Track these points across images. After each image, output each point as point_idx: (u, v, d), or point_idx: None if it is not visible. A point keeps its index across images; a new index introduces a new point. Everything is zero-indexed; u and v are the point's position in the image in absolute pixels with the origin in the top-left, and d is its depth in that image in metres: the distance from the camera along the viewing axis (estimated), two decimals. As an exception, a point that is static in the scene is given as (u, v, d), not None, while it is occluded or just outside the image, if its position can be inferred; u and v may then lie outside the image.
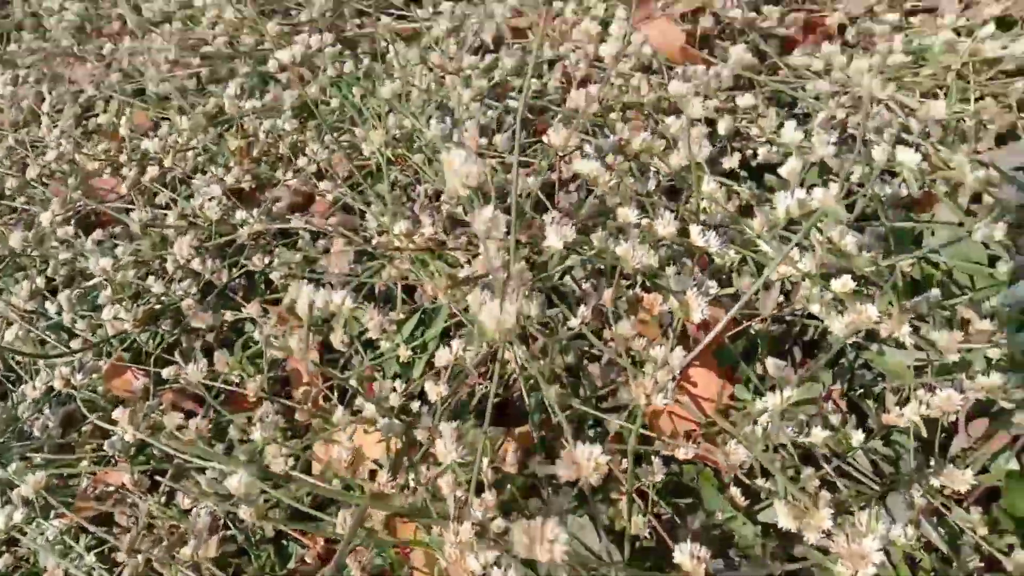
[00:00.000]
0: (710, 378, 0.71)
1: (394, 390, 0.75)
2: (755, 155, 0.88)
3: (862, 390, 0.78)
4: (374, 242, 0.86)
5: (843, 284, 0.61)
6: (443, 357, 0.63)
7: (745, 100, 0.78)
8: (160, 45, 1.32)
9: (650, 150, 0.59)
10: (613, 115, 0.88)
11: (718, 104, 0.84)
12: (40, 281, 0.94)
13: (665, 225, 0.62)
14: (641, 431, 0.65)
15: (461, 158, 0.38)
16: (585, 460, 0.40)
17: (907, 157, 0.52)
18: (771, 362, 0.62)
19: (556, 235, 0.56)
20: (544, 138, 0.70)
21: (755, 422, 0.59)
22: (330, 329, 0.95)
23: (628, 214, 0.62)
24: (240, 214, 0.96)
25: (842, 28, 1.03)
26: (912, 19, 1.03)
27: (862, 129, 0.56)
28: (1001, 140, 0.89)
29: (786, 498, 0.51)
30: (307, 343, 0.50)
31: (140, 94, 1.35)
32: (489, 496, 0.56)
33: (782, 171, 0.55)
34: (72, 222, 1.03)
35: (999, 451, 0.66)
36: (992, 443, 0.65)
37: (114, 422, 0.77)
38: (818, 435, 0.55)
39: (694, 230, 0.62)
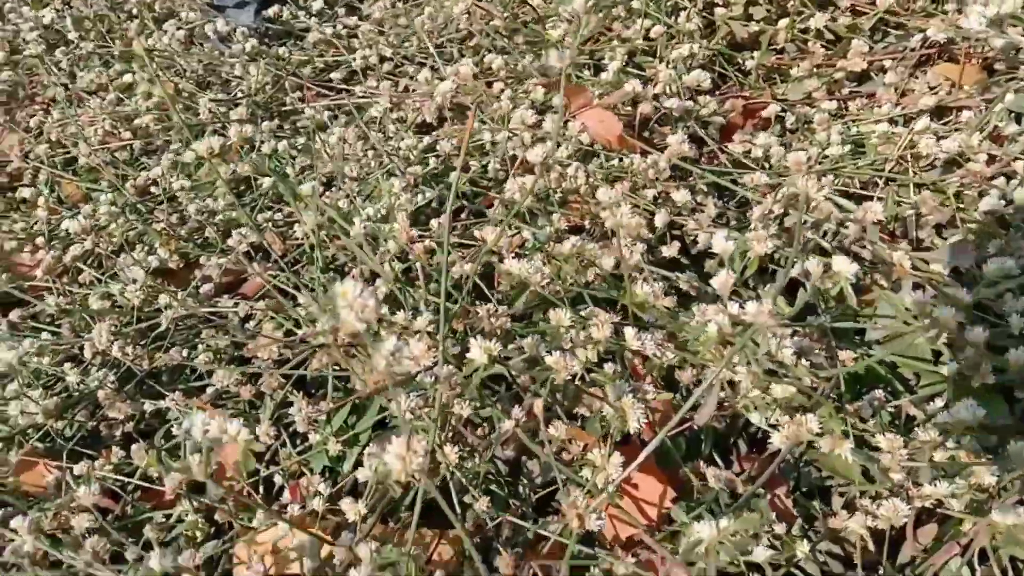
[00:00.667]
0: (652, 482, 0.68)
1: (318, 493, 0.70)
2: (695, 242, 0.87)
3: (807, 489, 0.75)
4: (302, 332, 0.82)
5: (784, 391, 0.59)
6: (364, 474, 0.59)
7: (680, 196, 0.76)
8: (92, 116, 1.28)
9: (581, 253, 0.56)
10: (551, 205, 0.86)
11: (656, 193, 0.83)
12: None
13: (600, 328, 0.59)
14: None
15: (356, 289, 0.35)
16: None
17: (843, 267, 0.50)
18: (711, 472, 0.59)
19: (479, 349, 0.53)
20: (477, 233, 0.68)
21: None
22: (256, 420, 0.91)
23: (561, 317, 0.59)
24: (164, 298, 0.92)
25: (781, 114, 1.03)
26: (850, 104, 1.04)
27: (798, 231, 0.55)
28: (939, 229, 0.89)
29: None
30: (206, 467, 0.46)
31: (71, 164, 1.31)
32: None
33: (713, 283, 0.53)
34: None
35: (949, 559, 0.64)
36: (941, 552, 0.63)
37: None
38: (760, 554, 0.52)
39: (629, 333, 0.60)
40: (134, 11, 1.54)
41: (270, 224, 1.05)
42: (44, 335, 0.93)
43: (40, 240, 1.04)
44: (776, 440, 0.54)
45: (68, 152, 1.29)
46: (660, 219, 0.78)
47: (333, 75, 1.30)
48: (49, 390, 0.91)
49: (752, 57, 1.08)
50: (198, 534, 0.80)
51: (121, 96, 1.33)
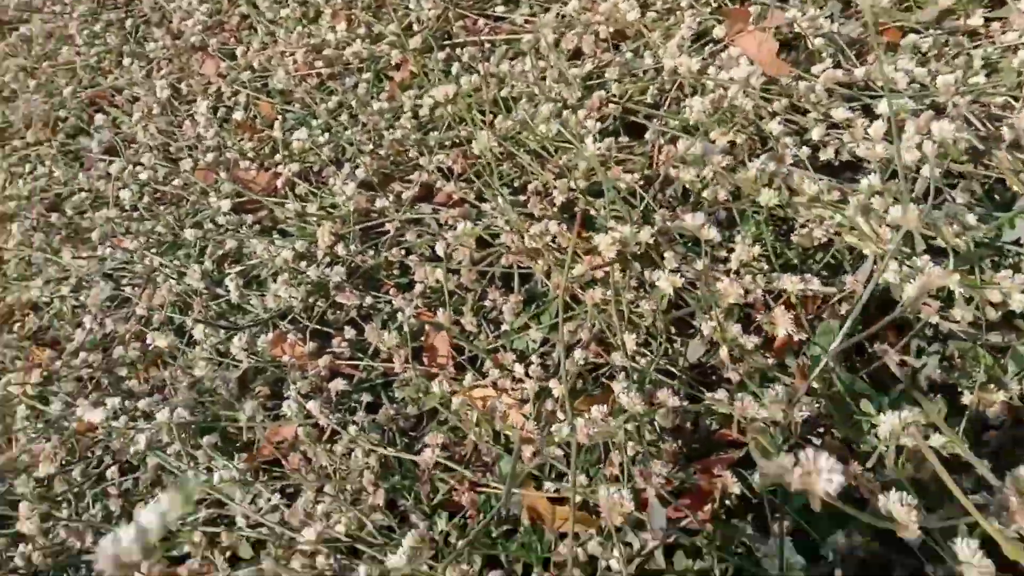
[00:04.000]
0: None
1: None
2: (837, 153, 0.97)
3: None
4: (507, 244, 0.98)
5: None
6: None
7: (839, 113, 0.88)
8: (284, 47, 1.46)
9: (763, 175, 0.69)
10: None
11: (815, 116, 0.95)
12: (208, 264, 1.11)
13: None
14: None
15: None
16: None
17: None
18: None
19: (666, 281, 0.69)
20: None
21: None
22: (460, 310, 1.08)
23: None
24: (381, 202, 1.10)
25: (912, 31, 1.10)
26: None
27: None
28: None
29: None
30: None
31: (264, 87, 1.49)
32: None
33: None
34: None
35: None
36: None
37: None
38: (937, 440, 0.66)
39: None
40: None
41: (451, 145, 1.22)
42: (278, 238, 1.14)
43: (278, 157, 1.24)
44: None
45: (261, 77, 1.48)
46: (817, 132, 0.90)
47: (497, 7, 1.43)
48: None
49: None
50: (419, 395, 0.99)
51: (305, 23, 1.50)
